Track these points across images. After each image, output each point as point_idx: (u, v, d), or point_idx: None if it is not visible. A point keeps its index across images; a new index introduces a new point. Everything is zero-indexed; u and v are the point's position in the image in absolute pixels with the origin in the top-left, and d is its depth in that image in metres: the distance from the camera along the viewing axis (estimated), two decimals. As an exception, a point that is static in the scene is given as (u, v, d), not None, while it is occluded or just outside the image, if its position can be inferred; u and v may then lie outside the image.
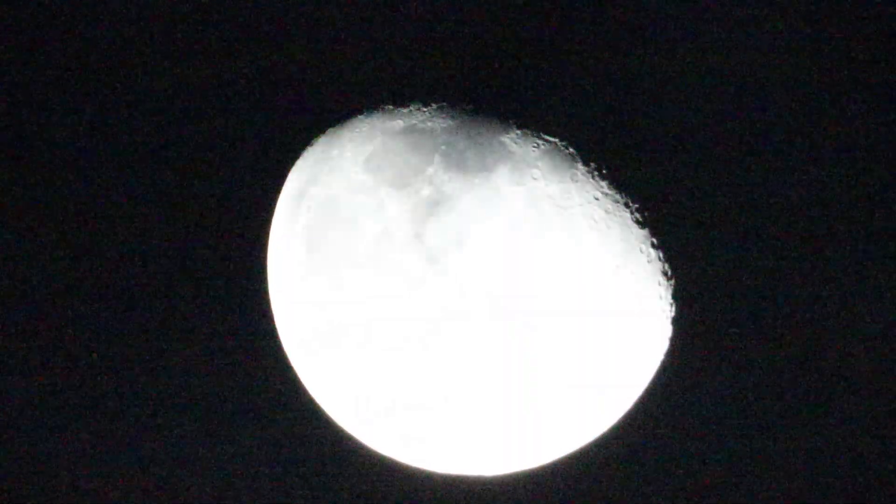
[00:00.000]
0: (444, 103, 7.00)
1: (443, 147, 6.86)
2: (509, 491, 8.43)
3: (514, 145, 6.83)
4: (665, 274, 7.13)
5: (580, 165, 6.86)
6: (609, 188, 6.89)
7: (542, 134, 6.88)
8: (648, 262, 7.03)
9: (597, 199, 6.86)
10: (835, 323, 8.26)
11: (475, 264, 6.68)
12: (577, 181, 6.84)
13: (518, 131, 6.86)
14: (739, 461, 8.56)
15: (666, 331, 7.34)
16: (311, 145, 7.62)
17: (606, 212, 6.87)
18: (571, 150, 6.87)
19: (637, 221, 6.96)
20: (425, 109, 7.05)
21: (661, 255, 7.07)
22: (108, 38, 8.63)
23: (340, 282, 6.98)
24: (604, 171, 6.89)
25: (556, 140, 6.87)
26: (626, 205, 6.93)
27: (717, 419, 8.40)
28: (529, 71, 7.01)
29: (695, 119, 7.34)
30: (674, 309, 7.29)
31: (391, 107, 7.18)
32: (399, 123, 7.09)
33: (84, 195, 8.82)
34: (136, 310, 8.87)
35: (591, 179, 6.86)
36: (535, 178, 6.78)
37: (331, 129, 7.50)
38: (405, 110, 7.11)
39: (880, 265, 8.20)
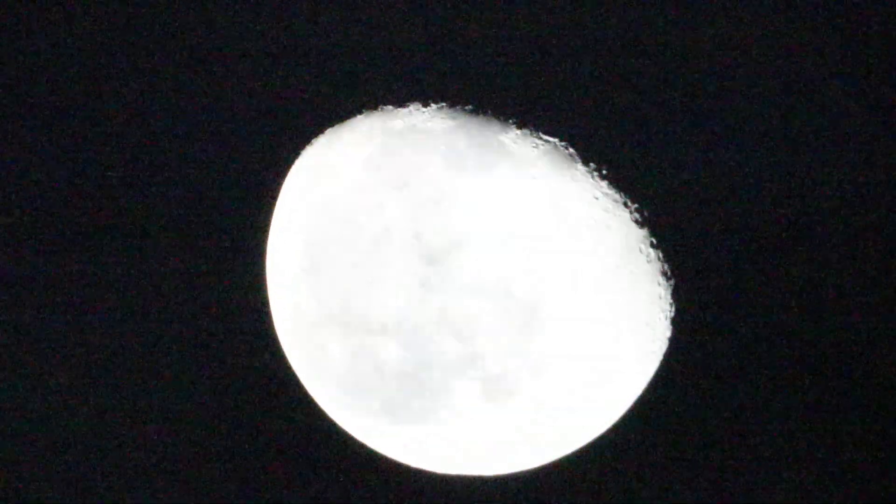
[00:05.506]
0: (444, 103, 7.00)
1: (442, 147, 6.86)
2: (509, 491, 8.43)
3: (513, 145, 6.83)
4: (665, 274, 7.13)
5: (580, 165, 6.86)
6: (609, 188, 6.89)
7: (541, 134, 6.87)
8: (648, 262, 7.03)
9: (596, 198, 6.86)
10: (835, 322, 8.26)
11: (475, 264, 6.68)
12: (576, 181, 6.84)
13: (517, 131, 6.86)
14: (739, 461, 8.56)
15: (666, 331, 7.34)
16: (311, 145, 7.62)
17: (606, 212, 6.87)
18: (571, 150, 6.86)
19: (637, 221, 6.96)
20: (425, 109, 7.04)
21: (661, 255, 7.07)
22: (108, 36, 8.63)
23: (340, 282, 6.98)
24: (603, 171, 6.88)
25: (556, 140, 6.87)
26: (626, 205, 6.93)
27: (717, 419, 8.39)
28: (529, 71, 7.01)
29: (695, 119, 7.34)
30: (674, 309, 7.29)
31: (391, 107, 7.18)
32: (399, 123, 7.08)
33: (83, 194, 8.82)
34: (135, 309, 8.87)
35: (590, 179, 6.86)
36: (534, 178, 6.77)
37: (331, 129, 7.49)
38: (405, 110, 7.11)
39: (881, 265, 8.20)
